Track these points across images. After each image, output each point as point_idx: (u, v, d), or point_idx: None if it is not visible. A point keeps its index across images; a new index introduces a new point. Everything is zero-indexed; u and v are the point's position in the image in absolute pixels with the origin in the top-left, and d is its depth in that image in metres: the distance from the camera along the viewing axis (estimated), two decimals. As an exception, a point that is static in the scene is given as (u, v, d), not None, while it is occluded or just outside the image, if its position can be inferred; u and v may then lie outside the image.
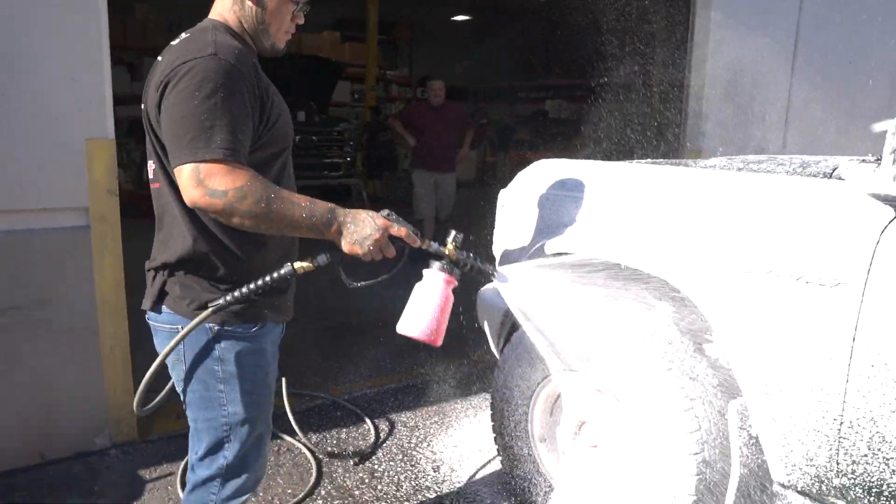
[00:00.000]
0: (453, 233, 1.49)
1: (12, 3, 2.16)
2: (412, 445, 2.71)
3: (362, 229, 1.35)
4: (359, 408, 2.98)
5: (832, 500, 1.64)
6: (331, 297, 4.00)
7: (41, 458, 2.41)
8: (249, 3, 1.48)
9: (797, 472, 1.65)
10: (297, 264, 1.39)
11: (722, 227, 1.76)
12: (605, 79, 5.48)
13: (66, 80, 2.29)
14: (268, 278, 1.39)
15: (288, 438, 2.66)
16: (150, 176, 1.47)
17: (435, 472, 2.52)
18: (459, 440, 2.75)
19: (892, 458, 1.49)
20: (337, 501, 2.31)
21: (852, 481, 1.57)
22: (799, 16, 4.60)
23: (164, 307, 1.46)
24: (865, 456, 1.53)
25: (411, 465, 2.56)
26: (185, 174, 1.26)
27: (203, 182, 1.25)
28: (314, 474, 2.43)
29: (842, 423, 1.55)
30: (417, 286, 1.50)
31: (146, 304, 1.51)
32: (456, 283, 1.51)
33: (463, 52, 14.50)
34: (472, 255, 1.51)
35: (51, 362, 2.38)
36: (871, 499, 1.55)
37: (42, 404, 2.40)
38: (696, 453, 1.74)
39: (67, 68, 2.28)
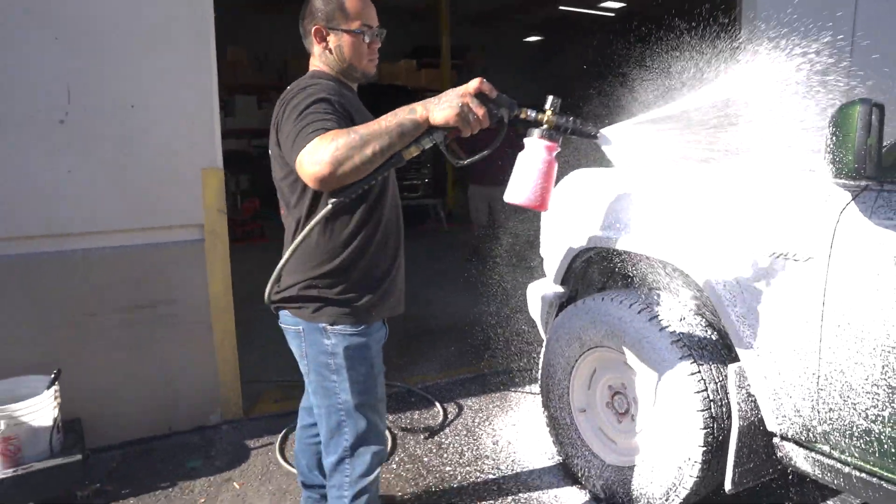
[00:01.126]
0: (550, 98, 1.51)
1: (142, 62, 2.77)
2: (475, 424, 3.12)
3: (449, 97, 1.44)
4: (429, 394, 3.42)
5: (819, 445, 1.93)
6: (409, 305, 4.51)
7: (169, 429, 2.99)
8: (328, 51, 1.78)
9: (787, 422, 1.96)
10: (405, 150, 1.47)
11: (715, 217, 2.11)
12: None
13: (185, 121, 2.89)
14: (380, 167, 1.45)
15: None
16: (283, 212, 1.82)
17: (494, 444, 2.92)
18: (517, 420, 3.14)
19: (859, 404, 1.78)
20: (408, 465, 2.75)
21: (831, 427, 1.86)
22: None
23: (288, 312, 1.79)
24: (839, 404, 1.82)
25: (473, 440, 2.97)
26: (299, 166, 1.47)
27: (311, 162, 1.43)
28: (390, 445, 2.89)
29: (819, 376, 1.85)
30: (520, 155, 1.54)
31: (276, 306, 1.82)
32: (558, 147, 1.53)
33: (535, 72, 14.88)
34: (571, 118, 1.52)
35: (175, 350, 2.96)
36: (847, 441, 1.83)
37: (169, 385, 2.98)
38: (703, 410, 2.07)
39: (186, 113, 2.88)
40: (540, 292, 2.82)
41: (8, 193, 2.59)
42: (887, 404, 1.72)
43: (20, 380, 2.57)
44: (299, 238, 1.60)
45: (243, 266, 6.53)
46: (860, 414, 1.77)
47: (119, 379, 2.87)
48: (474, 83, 1.45)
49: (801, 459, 1.98)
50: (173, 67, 2.84)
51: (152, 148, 2.84)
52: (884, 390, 1.71)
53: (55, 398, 2.51)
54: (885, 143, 1.73)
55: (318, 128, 1.48)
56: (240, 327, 3.18)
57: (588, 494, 2.51)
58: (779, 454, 2.04)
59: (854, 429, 1.80)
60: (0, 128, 2.56)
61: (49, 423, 2.48)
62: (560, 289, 2.73)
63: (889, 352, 1.69)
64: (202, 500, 2.52)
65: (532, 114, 1.51)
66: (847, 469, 1.86)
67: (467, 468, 2.73)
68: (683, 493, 2.15)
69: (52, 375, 2.53)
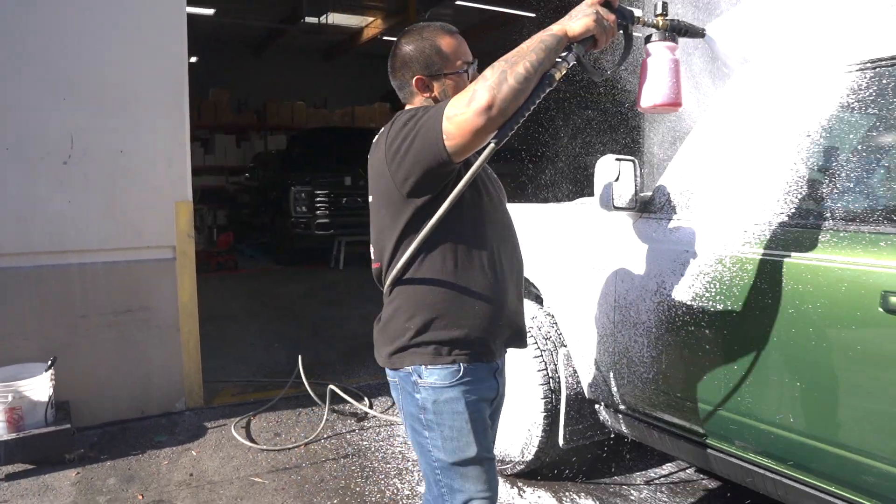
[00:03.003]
0: (661, 2, 1.60)
1: (129, 118, 3.57)
2: (395, 412, 3.86)
3: (580, 9, 1.44)
4: (361, 391, 4.16)
5: (621, 406, 2.69)
6: (358, 325, 5.34)
7: (142, 413, 3.71)
8: (436, 95, 1.65)
9: (598, 390, 2.73)
10: (552, 71, 1.41)
11: (541, 239, 2.92)
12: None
13: (162, 163, 3.67)
14: (535, 89, 1.39)
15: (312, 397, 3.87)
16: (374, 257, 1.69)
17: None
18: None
19: (637, 373, 2.55)
20: (334, 441, 3.48)
21: (625, 392, 2.63)
22: None
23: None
24: (627, 375, 2.59)
25: (390, 424, 3.71)
26: (450, 127, 1.37)
27: (462, 105, 1.35)
28: (322, 426, 3.62)
29: (614, 355, 2.63)
30: (648, 62, 1.61)
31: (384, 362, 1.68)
32: (677, 46, 1.63)
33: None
34: (678, 20, 1.63)
35: (149, 348, 3.70)
36: (634, 401, 2.60)
37: (144, 377, 3.70)
38: (544, 384, 2.84)
39: (163, 157, 3.67)
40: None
41: (22, 217, 3.35)
42: (655, 371, 2.49)
43: (24, 366, 3.30)
44: (431, 223, 1.47)
45: (217, 293, 7.36)
46: (639, 379, 2.55)
47: (102, 370, 3.60)
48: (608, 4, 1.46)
49: (612, 420, 2.74)
50: (154, 122, 3.64)
51: (136, 184, 3.62)
52: (651, 361, 2.48)
53: (51, 380, 3.24)
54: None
55: (442, 104, 1.43)
56: (208, 340, 3.94)
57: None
58: (600, 418, 2.81)
59: (637, 393, 2.57)
60: (19, 167, 3.34)
61: (45, 399, 3.20)
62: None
63: (651, 331, 2.46)
64: (166, 463, 3.23)
65: (650, 19, 1.59)
66: (638, 422, 2.62)
67: (382, 443, 3.46)
68: (533, 450, 2.90)
69: (49, 362, 3.26)
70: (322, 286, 8.22)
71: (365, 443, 3.46)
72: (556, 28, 1.43)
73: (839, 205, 1.97)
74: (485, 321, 1.61)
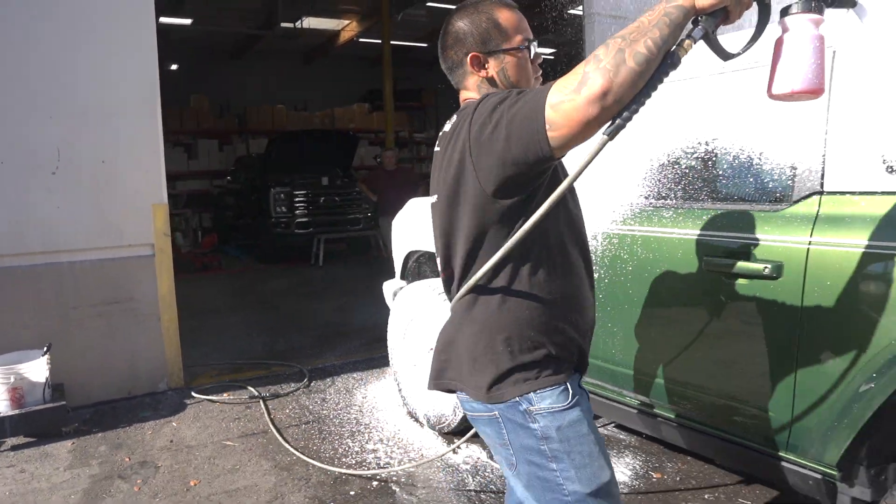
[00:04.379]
0: None
1: (109, 131, 4.07)
2: (353, 387, 4.39)
3: None
4: (326, 371, 4.69)
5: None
6: (331, 315, 5.89)
7: (129, 393, 4.23)
8: (492, 76, 1.50)
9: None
10: (676, 50, 1.19)
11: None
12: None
13: (140, 171, 4.18)
14: (657, 71, 1.17)
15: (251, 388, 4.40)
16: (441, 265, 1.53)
17: (363, 398, 4.18)
18: (386, 385, 4.41)
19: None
20: (297, 411, 4.00)
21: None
22: None
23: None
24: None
25: (349, 395, 4.24)
26: (555, 116, 1.17)
27: (572, 90, 1.15)
28: (287, 400, 4.14)
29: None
30: (785, 38, 1.34)
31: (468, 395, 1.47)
32: (824, 20, 1.34)
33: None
34: None
35: (134, 335, 4.21)
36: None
37: (130, 361, 4.22)
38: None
39: (141, 165, 4.18)
40: (388, 285, 4.15)
41: (18, 222, 3.86)
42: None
43: (24, 352, 3.81)
44: (525, 226, 1.26)
45: (202, 291, 7.87)
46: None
47: (93, 355, 4.11)
48: None
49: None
50: (131, 133, 4.15)
51: (118, 190, 4.13)
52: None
53: (47, 364, 3.75)
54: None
55: (543, 84, 1.25)
56: (193, 332, 4.45)
57: (419, 425, 3.77)
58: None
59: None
60: (13, 177, 3.85)
61: (43, 380, 3.71)
62: (401, 282, 4.05)
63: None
64: (150, 433, 3.75)
65: None
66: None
67: (338, 411, 3.99)
68: (461, 412, 3.42)
69: (45, 348, 3.78)
70: (301, 282, 8.74)
71: (325, 412, 3.99)
72: (685, 1, 1.19)
73: (677, 188, 2.50)
74: (580, 332, 1.49)
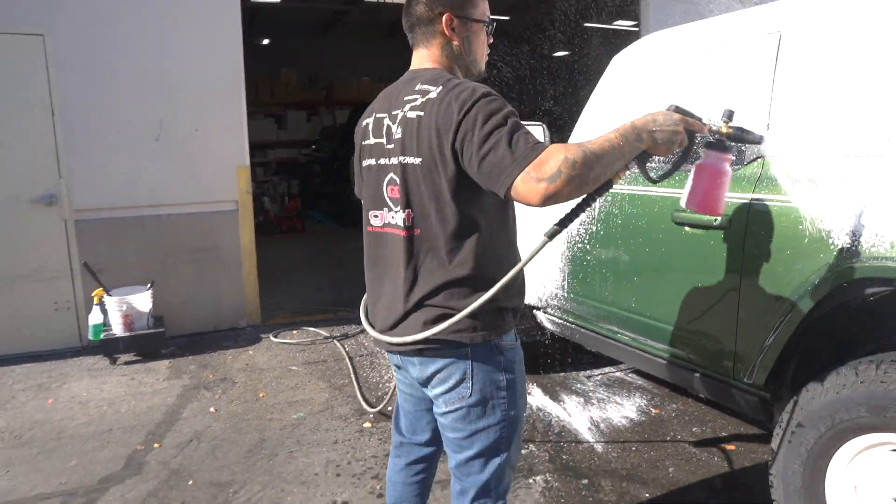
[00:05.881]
0: (726, 110, 1.64)
1: (200, 104, 4.82)
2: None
3: (668, 135, 1.49)
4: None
5: (548, 309, 3.72)
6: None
7: (214, 328, 5.05)
8: (456, 43, 1.66)
9: (534, 298, 3.77)
10: (617, 179, 1.46)
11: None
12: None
13: (227, 138, 4.93)
14: (598, 189, 1.45)
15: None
16: (405, 223, 1.60)
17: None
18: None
19: (552, 282, 3.57)
20: (354, 346, 4.67)
21: (548, 297, 3.66)
22: None
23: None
24: (547, 285, 3.62)
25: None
26: (520, 184, 1.37)
27: (538, 177, 1.35)
28: (325, 344, 4.82)
29: (541, 271, 3.65)
30: (701, 165, 1.67)
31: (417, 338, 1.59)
32: (732, 157, 1.67)
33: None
34: (742, 128, 1.66)
35: (220, 279, 5.01)
36: (553, 304, 3.62)
37: (216, 300, 5.02)
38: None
39: (227, 133, 4.93)
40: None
41: (129, 181, 4.69)
42: (573, 286, 3.50)
43: (132, 287, 4.65)
44: (520, 265, 1.52)
45: (284, 251, 8.72)
46: (562, 292, 3.57)
47: (185, 295, 4.94)
48: (697, 125, 1.57)
49: (545, 321, 3.78)
50: (219, 107, 4.89)
51: (208, 154, 4.89)
52: (569, 281, 3.50)
53: (150, 298, 4.57)
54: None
55: (533, 142, 1.41)
56: (273, 284, 5.20)
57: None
58: (537, 320, 3.86)
59: (561, 300, 3.60)
60: (126, 145, 4.67)
61: (147, 310, 4.54)
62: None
63: (562, 256, 3.47)
64: (230, 358, 4.52)
65: (715, 127, 1.66)
66: (557, 321, 3.65)
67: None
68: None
69: (149, 285, 4.60)
70: (375, 244, 9.47)
71: (376, 348, 4.65)
72: (645, 139, 1.47)
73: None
74: (523, 292, 1.75)
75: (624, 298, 3.04)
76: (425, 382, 1.72)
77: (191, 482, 2.90)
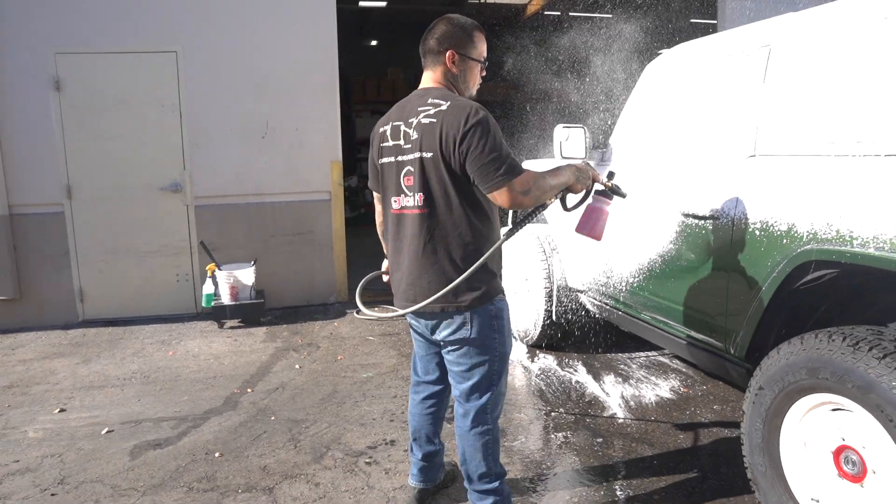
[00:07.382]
0: (609, 171, 2.47)
1: (300, 105, 5.59)
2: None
3: (586, 180, 2.28)
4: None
5: (590, 293, 4.17)
6: None
7: (307, 302, 5.83)
8: (455, 72, 2.24)
9: (577, 282, 4.23)
10: (549, 202, 2.20)
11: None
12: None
13: (322, 136, 5.68)
14: (531, 215, 2.29)
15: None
16: (417, 204, 2.15)
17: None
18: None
19: (593, 273, 4.02)
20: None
21: (590, 281, 4.11)
22: None
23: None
24: (591, 273, 4.07)
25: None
26: (504, 191, 2.00)
27: (521, 191, 2.01)
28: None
29: (583, 258, 4.12)
30: (592, 205, 2.42)
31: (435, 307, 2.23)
32: (611, 202, 2.45)
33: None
34: (618, 185, 2.45)
35: (313, 259, 5.78)
36: (595, 288, 4.07)
37: (308, 278, 5.80)
38: (545, 278, 4.39)
39: (323, 132, 5.67)
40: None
41: (239, 172, 5.54)
42: (606, 272, 3.95)
43: (239, 264, 5.50)
44: (492, 248, 2.15)
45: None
46: (598, 277, 4.02)
47: (283, 272, 5.74)
48: (597, 175, 2.35)
49: (588, 302, 4.24)
50: (315, 107, 5.65)
51: (306, 150, 5.66)
52: (602, 268, 3.94)
53: (253, 273, 5.39)
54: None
55: (518, 165, 2.03)
56: (360, 266, 5.92)
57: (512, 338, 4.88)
58: (579, 301, 4.32)
59: (598, 284, 4.05)
60: (238, 141, 5.51)
61: (250, 284, 5.36)
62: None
63: (602, 248, 3.92)
64: (318, 328, 5.27)
65: (603, 180, 2.43)
66: (598, 303, 4.10)
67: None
68: (540, 325, 4.47)
69: (253, 262, 5.43)
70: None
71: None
72: (575, 184, 2.23)
73: (670, 153, 3.35)
74: (502, 263, 2.36)
75: (642, 284, 3.46)
76: (433, 329, 2.29)
77: (273, 418, 3.62)
